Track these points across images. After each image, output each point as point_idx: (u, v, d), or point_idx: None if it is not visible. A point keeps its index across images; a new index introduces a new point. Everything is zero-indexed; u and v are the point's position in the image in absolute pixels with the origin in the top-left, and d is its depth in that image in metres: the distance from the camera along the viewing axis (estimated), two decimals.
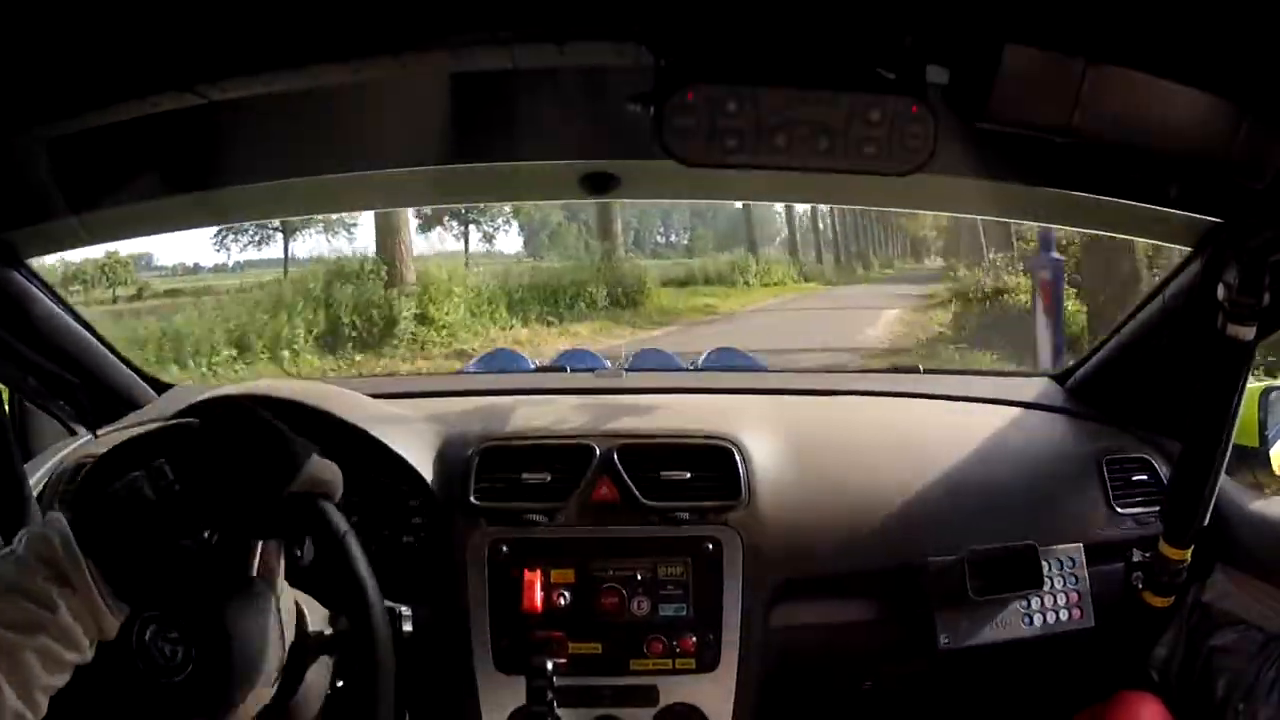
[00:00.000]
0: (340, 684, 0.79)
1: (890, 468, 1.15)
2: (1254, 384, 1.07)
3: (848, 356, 7.41)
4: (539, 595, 1.03)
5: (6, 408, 1.06)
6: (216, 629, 0.71)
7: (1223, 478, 1.04)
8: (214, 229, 10.39)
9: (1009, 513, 1.12)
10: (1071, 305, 7.18)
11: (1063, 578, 1.09)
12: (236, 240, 11.07)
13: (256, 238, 11.07)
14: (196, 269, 11.33)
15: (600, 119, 0.86)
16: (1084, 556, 1.10)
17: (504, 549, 1.06)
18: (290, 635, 0.76)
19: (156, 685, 0.72)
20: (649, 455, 1.10)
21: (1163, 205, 0.92)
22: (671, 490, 1.08)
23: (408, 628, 0.81)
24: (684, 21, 0.63)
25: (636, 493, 1.08)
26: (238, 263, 11.34)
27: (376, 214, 8.89)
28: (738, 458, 1.10)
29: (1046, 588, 1.08)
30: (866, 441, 1.20)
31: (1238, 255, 0.92)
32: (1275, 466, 1.14)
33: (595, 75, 0.78)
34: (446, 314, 8.62)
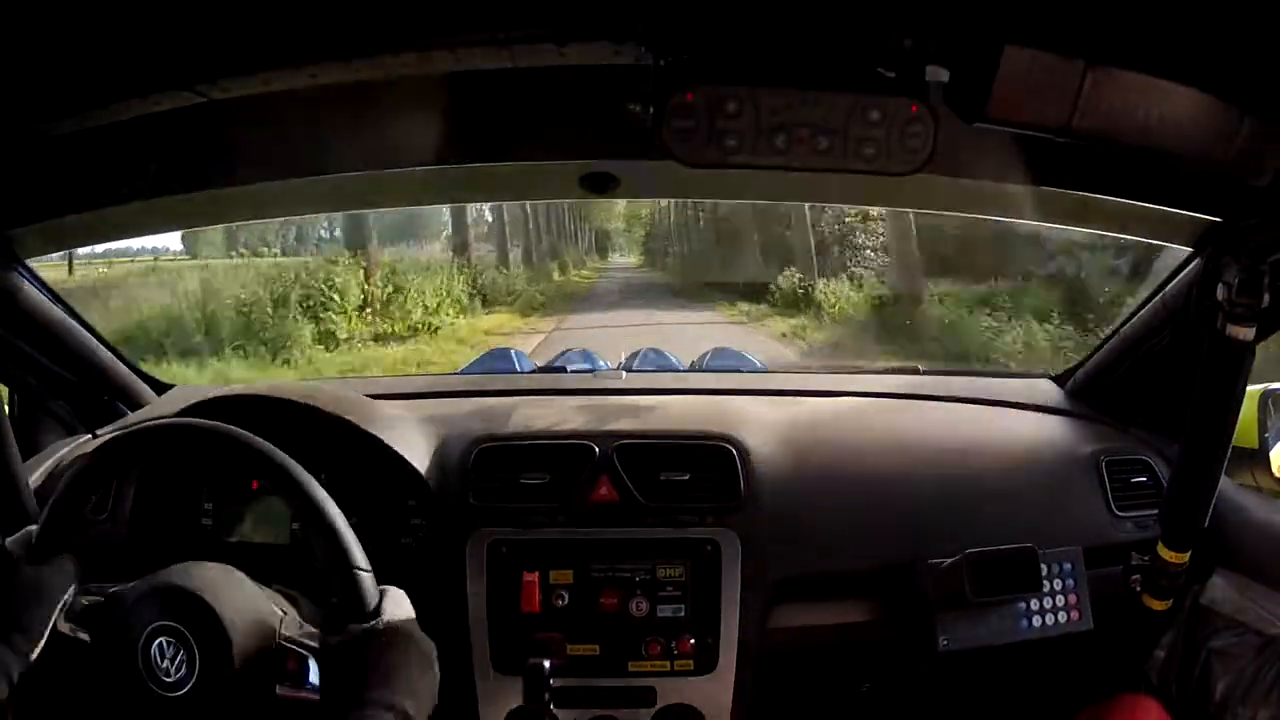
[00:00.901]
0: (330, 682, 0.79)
1: (889, 469, 1.15)
2: (1253, 386, 1.07)
3: None
4: (537, 596, 1.03)
5: (6, 407, 1.06)
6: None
7: (1222, 480, 1.04)
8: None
9: (1008, 514, 1.12)
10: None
11: (1061, 580, 1.09)
12: None
13: None
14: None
15: (600, 119, 0.85)
16: (1083, 559, 1.10)
17: (503, 549, 1.06)
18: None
19: (162, 700, 0.73)
20: (648, 456, 1.10)
21: (1163, 205, 0.92)
22: (670, 491, 1.08)
23: None
24: (684, 22, 0.63)
25: (635, 493, 1.08)
26: None
27: None
28: (737, 458, 1.09)
29: (1045, 590, 1.07)
30: (865, 443, 1.20)
31: (1238, 255, 0.91)
32: (1275, 469, 1.14)
33: (595, 75, 0.78)
34: None
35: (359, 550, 0.77)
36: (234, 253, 10.00)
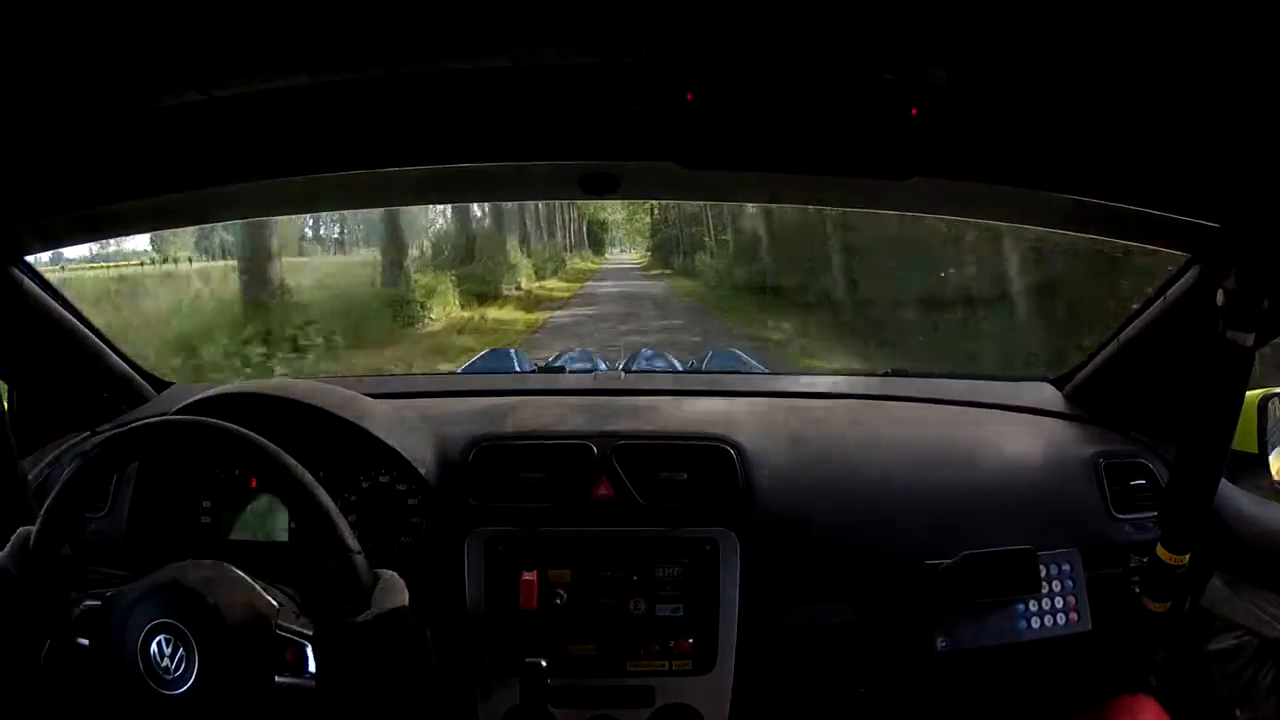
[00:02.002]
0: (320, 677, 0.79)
1: (888, 471, 1.15)
2: (1252, 391, 1.07)
3: None
4: (536, 595, 1.03)
5: (5, 404, 1.06)
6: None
7: (1221, 483, 1.04)
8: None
9: (1007, 516, 1.12)
10: None
11: (1060, 582, 1.09)
12: None
13: None
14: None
15: (600, 120, 0.86)
16: (1082, 561, 1.10)
17: (501, 549, 1.06)
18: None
19: (163, 698, 0.74)
20: (647, 456, 1.10)
21: (1162, 210, 0.92)
22: (669, 491, 1.08)
23: None
24: (684, 23, 0.63)
25: (634, 493, 1.08)
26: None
27: None
28: (735, 459, 1.10)
29: (1044, 591, 1.08)
30: (864, 444, 1.20)
31: (1237, 261, 0.91)
32: (1274, 472, 1.14)
33: (595, 75, 0.78)
34: None
35: (350, 534, 0.78)
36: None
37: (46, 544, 0.79)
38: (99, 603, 0.80)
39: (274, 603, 0.79)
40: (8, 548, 0.80)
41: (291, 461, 0.78)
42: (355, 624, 0.75)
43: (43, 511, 0.80)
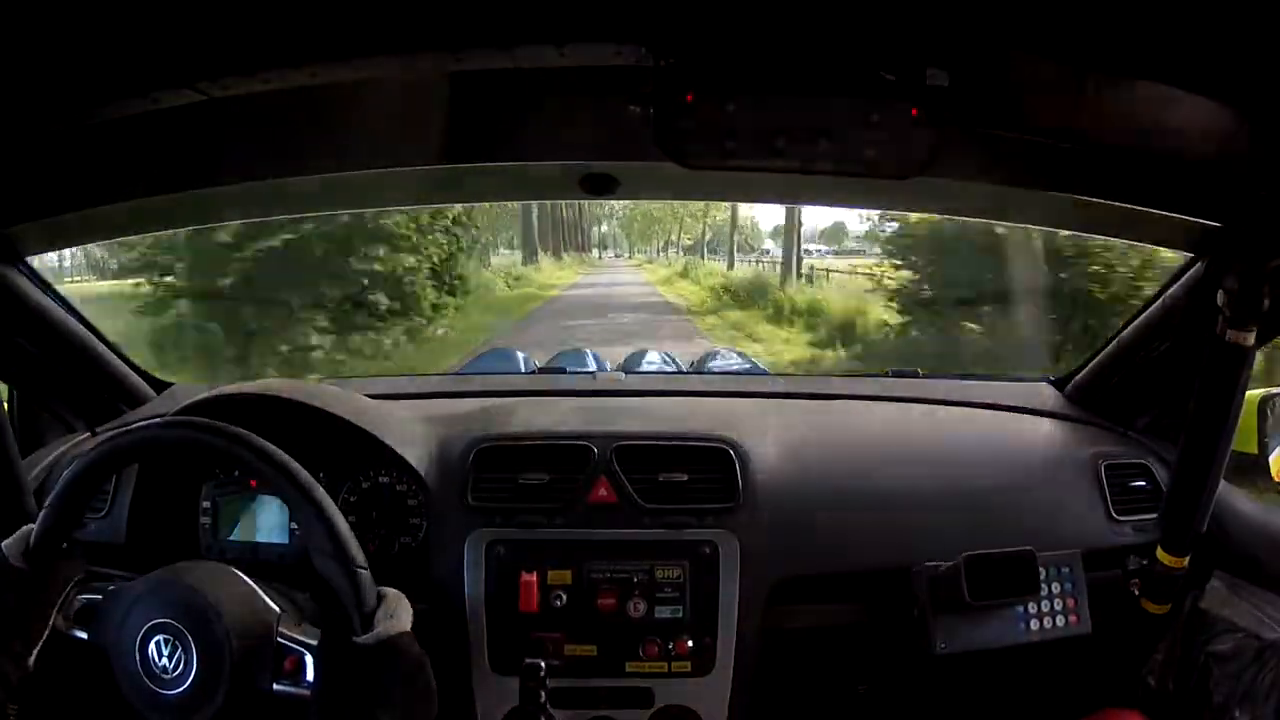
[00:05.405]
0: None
1: (888, 472, 1.15)
2: (1253, 391, 1.07)
3: None
4: (536, 596, 1.03)
5: (6, 405, 1.06)
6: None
7: (1221, 484, 1.04)
8: None
9: (1006, 518, 1.12)
10: None
11: (1060, 583, 1.09)
12: None
13: None
14: None
15: (600, 120, 0.85)
16: (1081, 562, 1.10)
17: (501, 550, 1.06)
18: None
19: (160, 697, 0.74)
20: (647, 457, 1.10)
21: (1164, 209, 0.92)
22: (669, 492, 1.08)
23: None
24: (685, 23, 0.63)
25: (634, 494, 1.08)
26: None
27: None
28: (735, 460, 1.09)
29: (1044, 593, 1.07)
30: (864, 445, 1.20)
31: (1238, 260, 0.91)
32: (1274, 473, 1.14)
33: (595, 76, 0.78)
34: None
35: (358, 549, 0.77)
36: None
37: (48, 539, 0.79)
38: (99, 597, 0.80)
39: (275, 608, 0.79)
40: (11, 540, 0.79)
41: (297, 467, 0.78)
42: (356, 645, 0.74)
43: (45, 507, 0.80)
